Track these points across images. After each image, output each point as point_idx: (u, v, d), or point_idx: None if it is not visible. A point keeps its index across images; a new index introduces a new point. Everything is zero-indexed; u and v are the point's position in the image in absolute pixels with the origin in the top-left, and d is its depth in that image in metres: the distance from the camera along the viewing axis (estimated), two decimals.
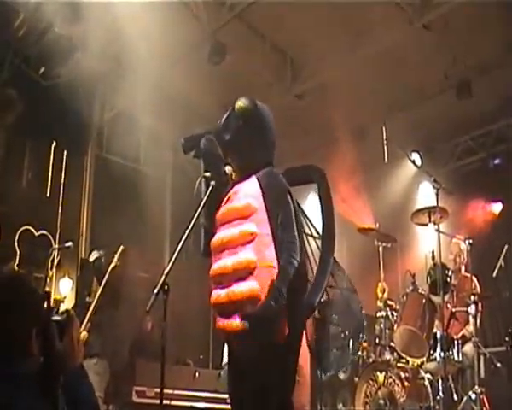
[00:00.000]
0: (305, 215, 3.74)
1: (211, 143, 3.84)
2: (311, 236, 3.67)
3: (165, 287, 3.34)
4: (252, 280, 3.41)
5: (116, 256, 6.42)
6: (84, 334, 6.11)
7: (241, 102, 3.76)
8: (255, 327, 3.31)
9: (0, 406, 1.90)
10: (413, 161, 7.76)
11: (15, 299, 2.07)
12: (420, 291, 6.81)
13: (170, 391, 6.33)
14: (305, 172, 3.77)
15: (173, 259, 3.54)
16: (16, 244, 9.93)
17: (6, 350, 2.00)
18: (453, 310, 6.63)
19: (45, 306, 2.16)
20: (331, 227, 3.55)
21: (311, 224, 3.72)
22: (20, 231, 9.99)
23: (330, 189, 3.61)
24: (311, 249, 3.63)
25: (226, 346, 5.64)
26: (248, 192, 3.65)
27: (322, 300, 3.52)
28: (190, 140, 4.03)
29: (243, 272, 3.45)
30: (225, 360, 5.80)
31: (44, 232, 10.26)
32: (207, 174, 3.73)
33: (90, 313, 6.19)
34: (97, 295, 6.23)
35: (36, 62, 9.64)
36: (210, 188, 3.69)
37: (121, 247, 6.48)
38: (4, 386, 1.94)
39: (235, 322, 3.44)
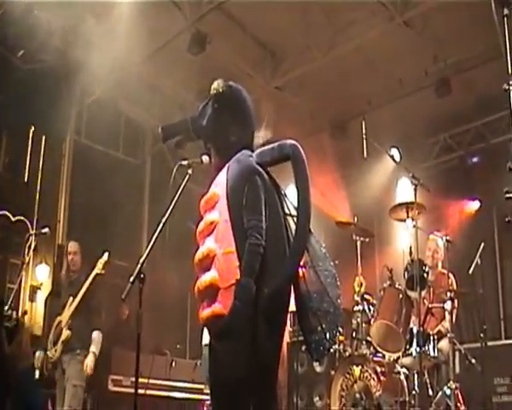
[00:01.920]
0: (284, 195, 3.69)
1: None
2: (290, 215, 3.63)
3: (141, 275, 3.36)
4: (213, 269, 3.38)
5: (100, 264, 6.33)
6: (66, 333, 6.11)
7: (215, 84, 3.69)
8: (231, 334, 3.27)
9: None
10: (392, 157, 7.77)
11: None
12: (397, 286, 6.83)
13: (146, 380, 6.28)
14: (278, 150, 3.67)
15: (149, 247, 3.53)
16: None
17: None
18: (429, 306, 6.65)
19: None
20: (306, 201, 3.43)
21: (291, 203, 3.66)
22: None
23: (305, 161, 3.50)
24: (290, 229, 3.58)
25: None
26: (217, 181, 3.62)
27: (300, 292, 3.49)
28: (168, 129, 3.99)
29: (206, 262, 3.42)
30: (204, 340, 5.75)
31: (21, 218, 10.13)
32: (184, 162, 3.70)
33: (69, 313, 6.18)
34: (78, 298, 6.19)
35: (14, 46, 9.49)
36: (187, 177, 3.68)
37: (105, 254, 6.38)
38: None
39: (204, 312, 3.41)
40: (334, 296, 3.49)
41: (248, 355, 3.29)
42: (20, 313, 9.10)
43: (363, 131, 7.94)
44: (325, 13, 9.16)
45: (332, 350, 6.79)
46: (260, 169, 3.58)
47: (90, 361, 6.09)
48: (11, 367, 2.04)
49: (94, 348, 6.16)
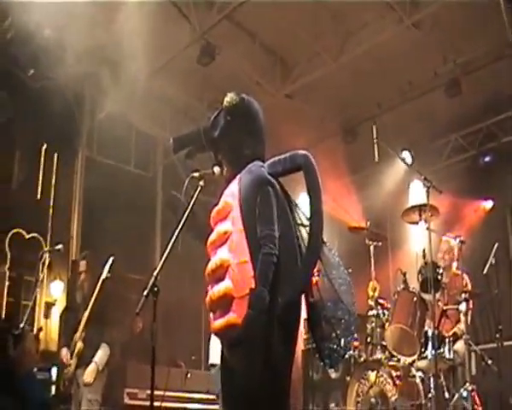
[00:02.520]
0: (296, 205, 3.70)
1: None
2: (302, 225, 3.64)
3: (155, 288, 3.34)
4: (227, 279, 3.38)
5: (106, 268, 6.33)
6: (79, 345, 6.12)
7: (228, 98, 3.71)
8: (246, 343, 3.27)
9: None
10: (403, 160, 7.76)
11: None
12: (411, 289, 6.79)
13: (161, 393, 6.30)
14: (290, 160, 3.69)
15: (163, 260, 3.53)
16: (7, 247, 9.92)
17: None
18: (444, 308, 6.58)
19: (5, 321, 2.56)
20: (318, 211, 3.44)
21: (302, 213, 3.68)
22: (10, 234, 9.99)
23: (317, 171, 3.50)
24: (303, 239, 3.59)
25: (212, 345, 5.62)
26: (229, 191, 3.62)
27: (313, 300, 3.50)
28: (179, 140, 4.01)
29: (220, 273, 3.42)
30: (211, 360, 5.75)
31: (35, 235, 10.25)
32: (196, 174, 3.72)
33: (81, 326, 6.17)
34: (89, 307, 6.19)
35: (25, 64, 9.61)
36: (198, 189, 3.67)
37: (110, 259, 6.38)
38: None
39: (217, 322, 3.42)
40: (348, 304, 3.49)
41: (263, 364, 3.29)
42: (35, 330, 9.22)
43: (374, 135, 7.89)
44: (334, 18, 9.17)
45: (347, 356, 6.78)
46: (272, 179, 3.58)
47: (90, 370, 6.02)
48: (16, 368, 2.59)
49: (97, 359, 6.10)
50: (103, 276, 6.29)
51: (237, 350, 3.36)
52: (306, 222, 3.58)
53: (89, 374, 6.03)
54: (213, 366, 5.62)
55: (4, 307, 9.62)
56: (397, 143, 8.04)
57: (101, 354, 6.18)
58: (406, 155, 7.80)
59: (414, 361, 6.42)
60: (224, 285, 3.38)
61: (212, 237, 3.58)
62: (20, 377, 2.75)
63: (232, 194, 3.57)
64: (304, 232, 3.58)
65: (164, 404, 5.91)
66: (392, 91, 10.15)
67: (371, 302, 7.09)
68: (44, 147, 10.78)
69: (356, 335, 6.90)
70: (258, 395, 3.33)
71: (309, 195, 3.50)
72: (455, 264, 7.12)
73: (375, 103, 10.39)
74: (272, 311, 3.29)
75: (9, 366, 2.70)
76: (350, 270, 3.70)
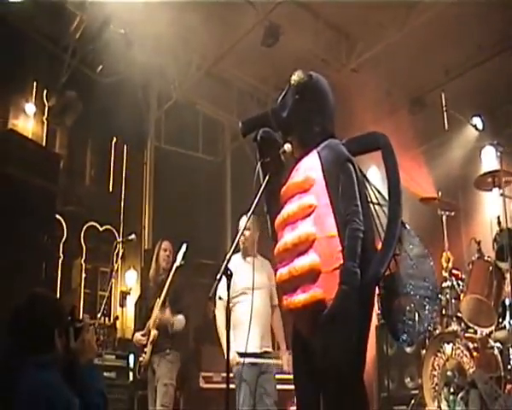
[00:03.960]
0: (370, 183, 3.69)
1: (268, 134, 3.86)
2: (378, 204, 3.62)
3: (228, 271, 3.37)
4: (312, 253, 3.39)
5: (180, 255, 6.40)
6: (154, 332, 6.26)
7: (295, 76, 3.71)
8: (339, 320, 3.26)
9: (32, 382, 2.69)
10: (474, 126, 7.59)
11: (41, 310, 2.90)
12: (486, 258, 6.63)
13: None
14: (369, 140, 3.70)
15: (235, 243, 3.56)
16: (82, 240, 10.26)
17: (37, 344, 2.82)
18: None
19: (68, 315, 3.00)
20: (398, 193, 3.46)
21: (378, 191, 3.66)
22: (85, 228, 10.32)
23: (395, 154, 3.53)
24: (378, 217, 3.57)
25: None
26: (308, 166, 3.62)
27: (388, 272, 3.44)
28: (248, 123, 4.04)
29: (303, 246, 3.43)
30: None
31: (108, 227, 10.55)
32: (267, 159, 3.73)
33: (155, 312, 6.31)
34: (162, 295, 6.31)
35: (93, 61, 9.86)
36: (267, 177, 3.67)
37: (183, 246, 6.43)
38: (35, 369, 2.75)
39: (298, 298, 3.42)
40: (431, 284, 3.48)
41: (354, 340, 3.31)
42: (111, 319, 9.52)
43: (443, 103, 7.71)
44: None
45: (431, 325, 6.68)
46: (352, 157, 3.60)
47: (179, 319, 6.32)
48: (76, 359, 2.83)
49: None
50: (177, 263, 6.37)
51: (329, 327, 3.31)
52: (382, 201, 3.60)
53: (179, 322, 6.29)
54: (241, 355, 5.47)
55: (82, 298, 10.02)
56: (467, 110, 7.84)
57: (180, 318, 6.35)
58: (477, 120, 7.60)
59: (491, 332, 6.24)
60: (310, 259, 3.39)
61: (292, 209, 3.57)
62: (80, 368, 2.93)
63: (312, 168, 3.57)
64: (379, 211, 3.58)
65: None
66: (460, 57, 9.84)
67: (445, 274, 6.94)
68: (114, 140, 11.06)
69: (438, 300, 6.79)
70: (345, 371, 3.32)
71: (388, 177, 3.50)
72: None
73: (442, 71, 10.11)
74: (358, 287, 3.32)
75: (70, 358, 2.90)
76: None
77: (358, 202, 3.44)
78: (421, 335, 3.49)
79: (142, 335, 6.32)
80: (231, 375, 5.36)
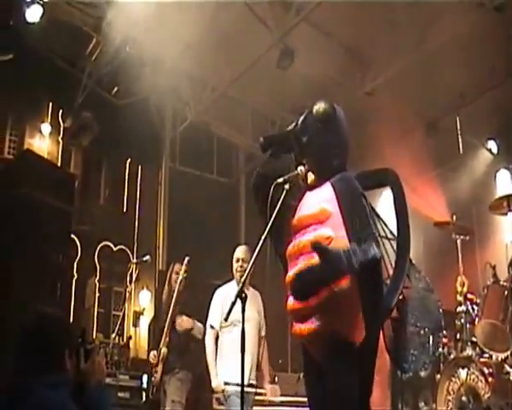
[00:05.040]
0: (379, 217, 3.69)
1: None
2: (386, 238, 3.62)
3: (243, 294, 3.36)
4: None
5: (182, 268, 6.40)
6: (164, 351, 6.23)
7: (320, 106, 3.72)
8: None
9: (40, 402, 2.70)
10: (489, 150, 7.57)
11: (50, 330, 2.90)
12: (501, 283, 6.60)
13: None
14: (379, 176, 3.72)
15: (250, 266, 3.55)
16: (96, 260, 10.30)
17: (47, 364, 2.82)
18: None
19: (79, 337, 3.01)
20: (406, 230, 3.50)
21: (386, 225, 3.67)
22: (99, 247, 10.36)
23: (404, 192, 3.56)
24: (387, 251, 3.57)
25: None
26: (323, 197, 3.62)
27: (397, 299, 3.49)
28: (268, 140, 4.05)
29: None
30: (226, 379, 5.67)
31: (122, 247, 10.60)
32: (280, 180, 3.71)
33: (165, 329, 6.28)
34: (170, 310, 6.29)
35: (109, 83, 9.94)
36: (283, 193, 3.62)
37: (186, 258, 6.45)
38: (45, 388, 2.74)
39: (311, 326, 3.43)
40: (436, 317, 3.50)
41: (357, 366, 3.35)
42: (125, 339, 9.51)
43: (458, 127, 7.71)
44: (410, 10, 8.96)
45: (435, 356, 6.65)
46: (364, 192, 3.62)
47: (187, 320, 6.25)
48: (85, 381, 2.85)
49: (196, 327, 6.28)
50: (180, 275, 6.37)
51: (334, 352, 3.38)
52: (390, 235, 3.60)
53: (187, 322, 6.23)
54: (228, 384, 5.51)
55: (95, 318, 10.04)
56: (481, 133, 7.83)
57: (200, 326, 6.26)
58: (492, 144, 7.59)
59: (507, 358, 6.18)
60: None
61: (308, 239, 3.52)
62: (89, 389, 2.93)
63: (327, 200, 3.58)
64: (387, 245, 3.58)
65: (255, 408, 5.93)
66: (474, 79, 9.83)
67: (460, 298, 6.89)
68: (129, 161, 11.12)
69: (444, 331, 6.78)
70: (354, 397, 3.34)
71: (397, 214, 3.53)
72: None
73: (456, 94, 10.10)
74: (372, 315, 3.37)
75: (80, 379, 2.90)
76: (436, 266, 3.68)
77: (374, 230, 3.46)
78: (425, 365, 3.52)
79: (154, 354, 6.31)
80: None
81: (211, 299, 5.98)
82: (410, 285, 3.53)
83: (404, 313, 3.48)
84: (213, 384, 5.62)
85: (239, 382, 4.84)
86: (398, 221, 3.52)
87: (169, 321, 6.29)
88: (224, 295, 5.84)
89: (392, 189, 3.59)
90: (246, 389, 5.37)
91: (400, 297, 3.49)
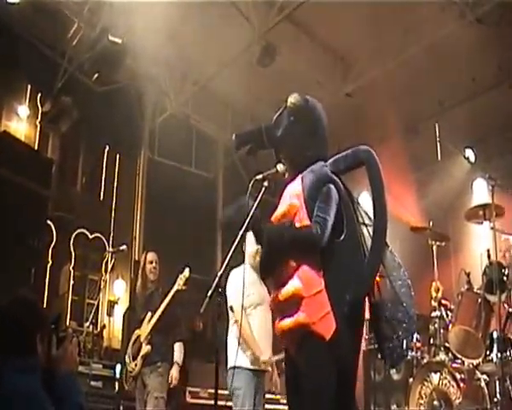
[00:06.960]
0: (358, 203, 3.67)
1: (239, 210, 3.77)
2: (363, 223, 3.60)
3: (219, 289, 3.33)
4: (296, 279, 3.39)
5: (181, 280, 6.26)
6: (147, 348, 6.17)
7: (292, 98, 3.71)
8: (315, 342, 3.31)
9: (14, 386, 2.63)
10: (467, 158, 7.64)
11: (22, 311, 2.82)
12: (475, 290, 6.66)
13: (225, 392, 6.30)
14: (352, 156, 3.65)
15: (226, 261, 3.49)
16: (72, 247, 10.19)
17: (17, 346, 2.74)
18: (510, 310, 6.42)
19: (52, 323, 2.97)
20: (382, 211, 3.43)
21: (365, 212, 3.65)
22: (74, 235, 10.25)
23: (380, 167, 3.47)
24: (365, 238, 3.54)
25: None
26: (292, 192, 3.62)
27: (374, 301, 3.49)
28: (241, 137, 4.02)
29: (288, 273, 3.44)
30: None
31: (98, 235, 10.50)
32: (259, 176, 3.68)
33: (148, 329, 6.22)
34: (158, 314, 6.21)
35: (89, 69, 9.80)
36: (262, 189, 3.62)
37: (186, 270, 6.32)
38: (14, 372, 2.66)
39: (284, 322, 3.46)
40: (408, 306, 3.47)
41: (332, 363, 3.31)
42: (99, 327, 9.43)
43: (437, 134, 7.76)
44: (393, 15, 9.03)
45: (409, 357, 6.68)
46: (335, 177, 3.59)
47: (174, 372, 6.12)
48: (56, 368, 2.79)
49: (178, 359, 6.18)
50: (177, 287, 6.25)
51: (305, 349, 3.38)
52: (368, 221, 3.57)
53: (175, 377, 6.14)
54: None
55: (69, 305, 9.94)
56: (459, 141, 7.89)
57: (179, 353, 6.23)
58: (469, 152, 7.66)
59: (479, 364, 6.26)
60: (293, 285, 3.39)
61: None
62: (59, 377, 2.86)
63: (296, 195, 3.57)
64: (365, 231, 3.56)
65: (228, 403, 5.88)
66: (455, 88, 9.92)
67: (434, 303, 6.95)
68: (107, 149, 11.01)
69: (417, 336, 6.83)
70: (327, 394, 3.30)
71: (372, 192, 3.47)
72: None
73: (436, 101, 10.18)
74: (340, 308, 3.32)
75: (51, 366, 2.83)
76: (411, 271, 3.67)
77: (330, 217, 3.41)
78: (402, 356, 3.53)
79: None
80: (235, 385, 5.30)
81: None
82: (385, 273, 3.51)
83: (380, 308, 3.48)
84: (264, 358, 5.29)
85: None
86: (373, 199, 3.45)
87: (155, 322, 6.22)
88: (240, 277, 5.53)
89: (366, 166, 3.53)
90: (268, 367, 5.40)
91: (377, 297, 3.49)
